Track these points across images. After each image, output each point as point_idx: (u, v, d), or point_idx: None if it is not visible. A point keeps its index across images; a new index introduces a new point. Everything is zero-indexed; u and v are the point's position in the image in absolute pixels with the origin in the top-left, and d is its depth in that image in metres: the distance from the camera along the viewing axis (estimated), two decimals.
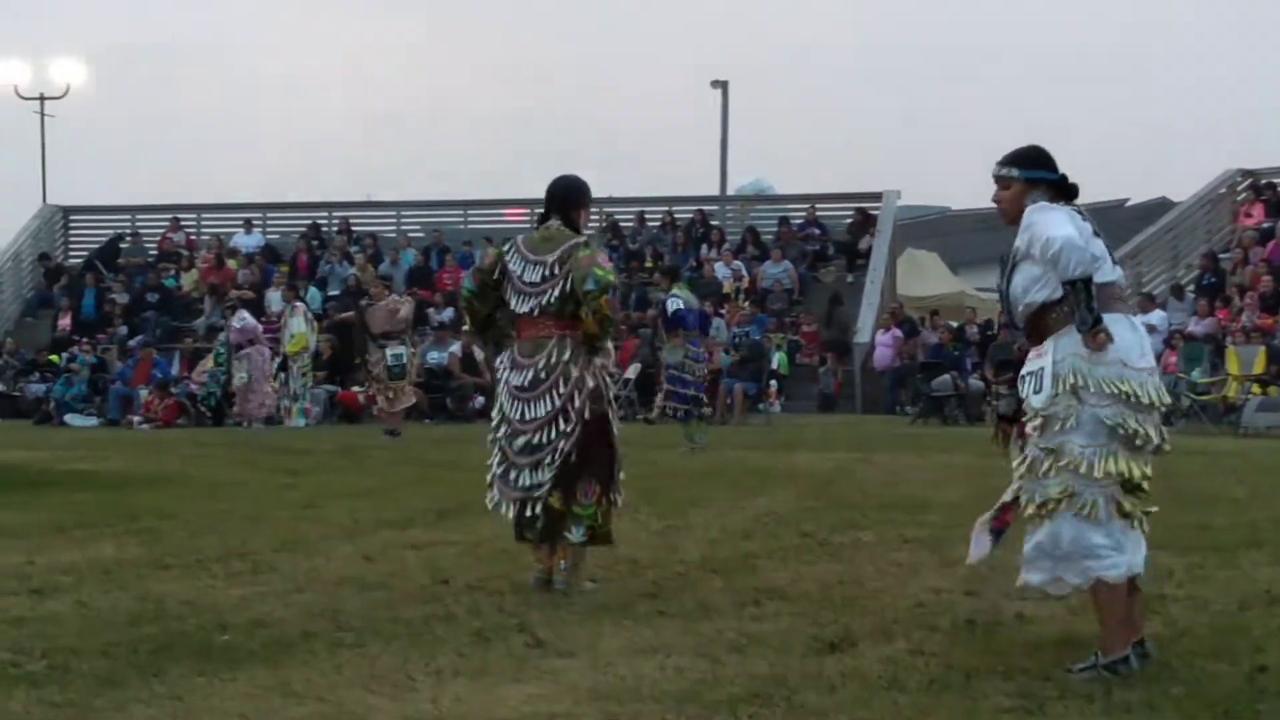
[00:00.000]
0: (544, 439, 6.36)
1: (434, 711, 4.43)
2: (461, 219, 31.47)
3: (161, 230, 31.74)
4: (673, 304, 15.07)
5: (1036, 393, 4.94)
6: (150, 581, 6.78)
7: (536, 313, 6.44)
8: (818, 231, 28.80)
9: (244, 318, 21.16)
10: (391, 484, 11.36)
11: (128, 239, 31.74)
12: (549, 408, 6.37)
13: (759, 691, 4.60)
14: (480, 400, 22.28)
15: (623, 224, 29.38)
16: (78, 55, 39.91)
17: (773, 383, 22.93)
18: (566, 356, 6.40)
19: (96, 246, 31.85)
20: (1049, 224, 4.88)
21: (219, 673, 4.93)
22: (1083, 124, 68.13)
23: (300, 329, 21.86)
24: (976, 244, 51.43)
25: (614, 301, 6.64)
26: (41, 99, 37.37)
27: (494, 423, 6.59)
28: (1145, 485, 4.96)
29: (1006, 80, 74.46)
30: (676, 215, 29.08)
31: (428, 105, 79.74)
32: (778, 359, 23.84)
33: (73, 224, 33.29)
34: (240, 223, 31.37)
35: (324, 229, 30.86)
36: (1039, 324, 5.03)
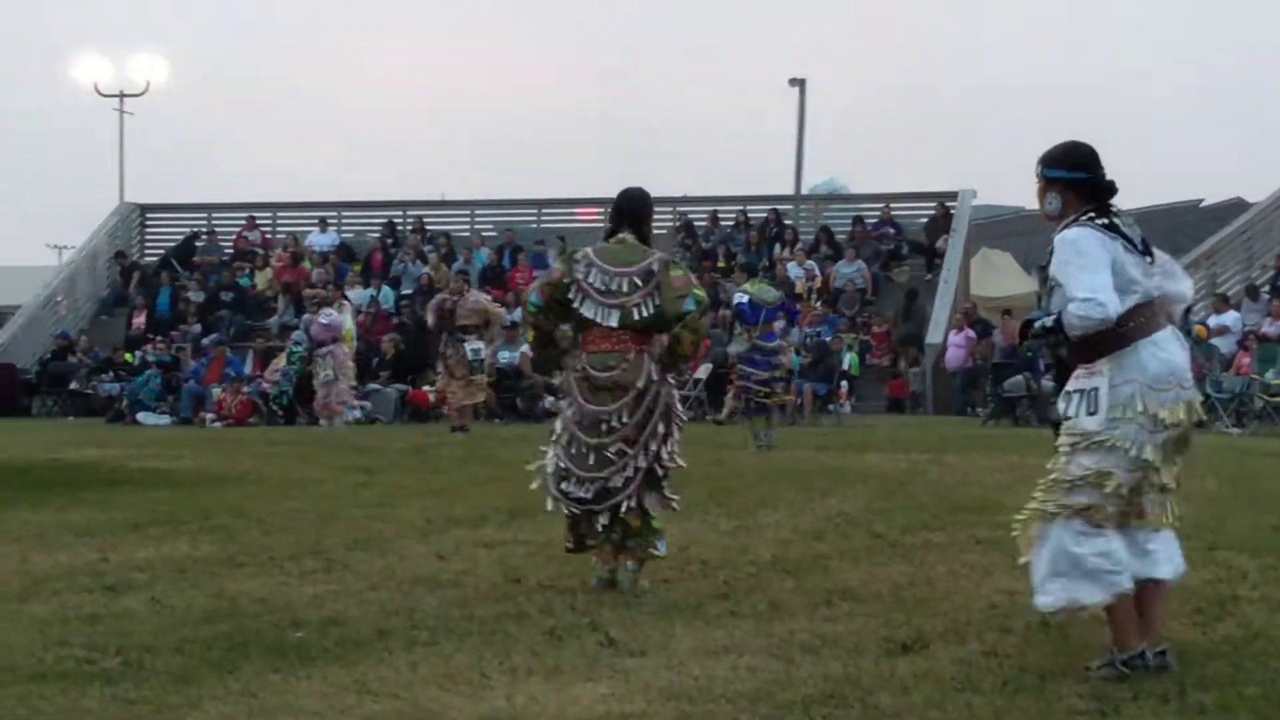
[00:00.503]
0: (624, 452, 6.37)
1: (509, 709, 4.45)
2: (535, 218, 31.58)
3: (237, 229, 32.03)
4: (737, 298, 15.27)
5: (1091, 414, 4.78)
6: (224, 579, 6.86)
7: (616, 325, 6.43)
8: (892, 231, 28.64)
9: (329, 315, 21.37)
10: (463, 483, 11.40)
11: (203, 237, 32.06)
12: (632, 420, 6.37)
13: (832, 692, 4.58)
14: (551, 401, 22.34)
15: (696, 223, 29.36)
16: (158, 52, 40.19)
17: (843, 383, 22.81)
18: (653, 374, 6.44)
19: (172, 245, 32.19)
20: (1075, 274, 4.79)
21: (293, 670, 4.97)
22: (1159, 124, 67.37)
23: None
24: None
25: (704, 322, 6.71)
26: (121, 96, 37.75)
27: (558, 434, 6.52)
28: (1171, 484, 4.90)
29: (1081, 77, 73.62)
30: (750, 214, 29.04)
31: (503, 103, 80.00)
32: (849, 359, 23.73)
33: (149, 222, 33.59)
34: (315, 221, 31.63)
35: (398, 228, 31.08)
36: (1091, 341, 4.86)
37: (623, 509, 6.38)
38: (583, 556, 6.69)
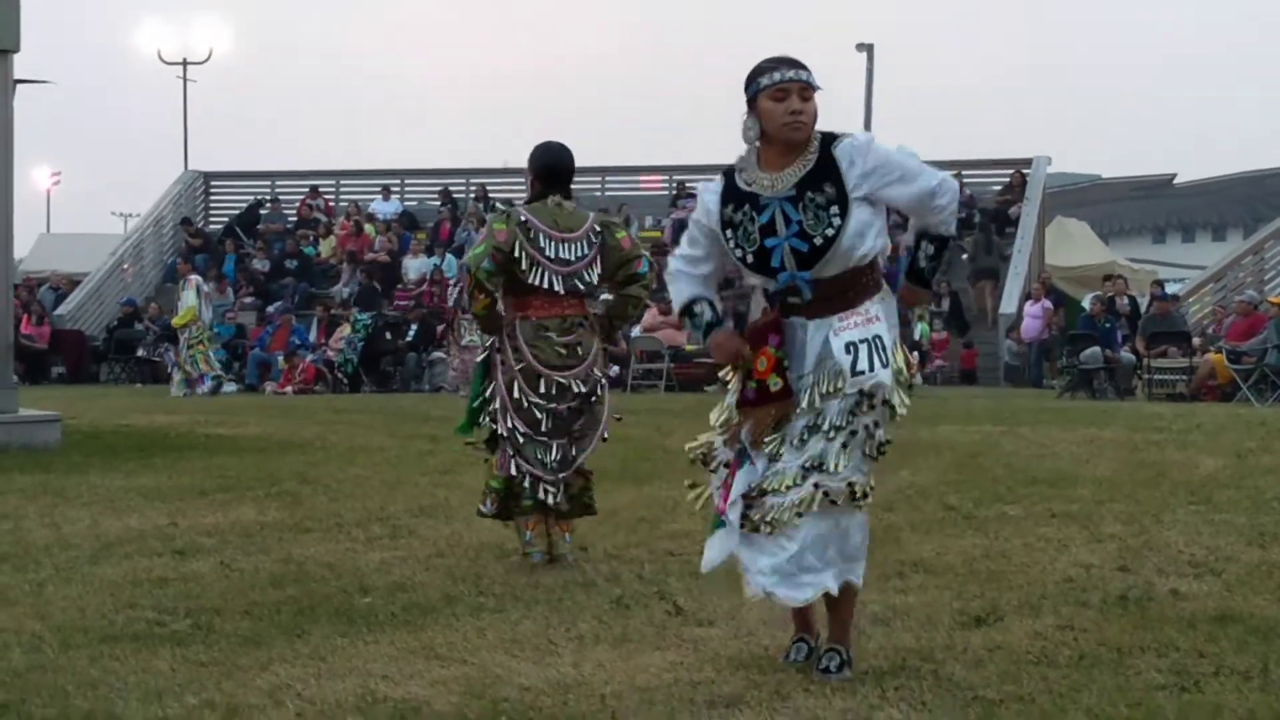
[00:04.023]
0: (580, 415, 6.39)
1: (576, 676, 4.41)
2: (599, 185, 31.53)
3: (300, 196, 32.25)
4: None
5: (885, 365, 4.33)
6: (291, 544, 6.88)
7: (563, 290, 6.35)
8: (964, 199, 28.36)
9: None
10: None
11: (267, 205, 32.30)
12: (586, 385, 6.38)
13: (904, 664, 4.51)
14: (615, 369, 22.32)
15: None
16: (221, 19, 40.47)
17: (914, 354, 22.64)
18: (594, 335, 6.46)
19: (236, 213, 32.47)
20: (910, 159, 4.33)
21: (361, 635, 4.97)
22: (1245, 89, 66.24)
23: (191, 302, 22.12)
24: (1128, 212, 50.43)
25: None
26: (184, 64, 37.98)
27: (508, 402, 6.40)
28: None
29: (1162, 44, 72.51)
30: None
31: (567, 69, 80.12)
32: (920, 329, 23.52)
33: (213, 190, 33.93)
34: (378, 189, 31.76)
35: (460, 196, 31.13)
36: (855, 282, 4.36)
37: (573, 466, 6.44)
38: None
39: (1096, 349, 20.97)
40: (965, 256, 26.50)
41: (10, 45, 12.30)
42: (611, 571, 6.11)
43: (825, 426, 4.31)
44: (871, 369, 4.31)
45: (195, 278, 22.76)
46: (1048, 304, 23.97)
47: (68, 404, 16.16)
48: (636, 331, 22.73)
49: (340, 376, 23.44)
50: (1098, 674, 4.40)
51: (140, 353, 26.90)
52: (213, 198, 33.91)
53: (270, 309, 27.20)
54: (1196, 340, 21.48)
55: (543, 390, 6.33)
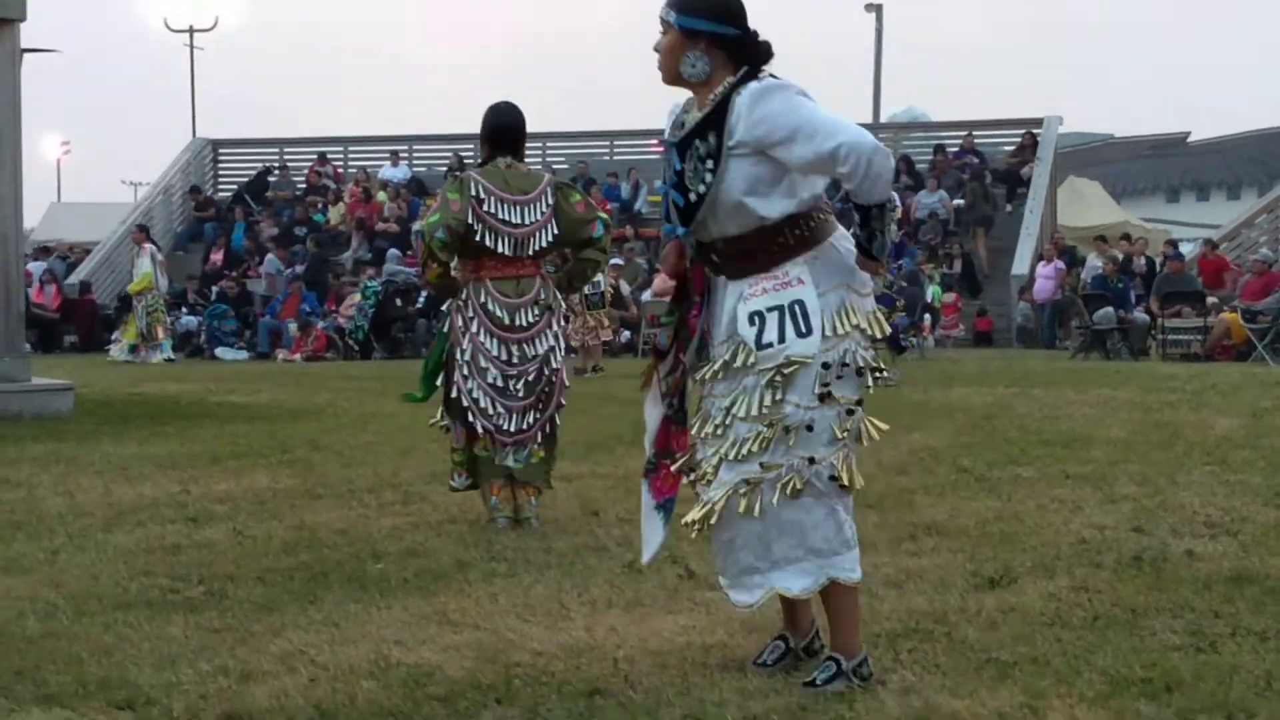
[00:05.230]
0: (541, 377, 6.42)
1: (589, 640, 4.41)
2: (608, 150, 31.42)
3: (309, 163, 32.18)
4: None
5: (802, 335, 3.81)
6: (304, 511, 6.89)
7: (520, 254, 6.35)
8: (975, 160, 28.20)
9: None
10: None
11: (275, 172, 32.25)
12: (545, 347, 6.41)
13: (917, 627, 4.49)
14: (627, 335, 22.30)
15: None
16: None
17: (926, 316, 22.55)
18: (552, 297, 6.47)
19: (245, 180, 32.42)
20: (825, 115, 3.81)
21: (373, 600, 4.97)
22: (1261, 47, 65.72)
23: (145, 269, 22.08)
24: (1141, 172, 50.17)
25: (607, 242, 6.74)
26: (191, 31, 37.84)
27: (469, 366, 6.40)
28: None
29: (1176, 1, 71.99)
30: None
31: (578, 32, 79.82)
32: (932, 291, 23.45)
33: (222, 157, 33.86)
34: (387, 155, 31.67)
35: (470, 161, 31.05)
36: (767, 243, 3.89)
37: (538, 439, 6.46)
38: None
39: (1110, 309, 20.90)
40: (963, 204, 26.41)
41: (16, 14, 12.27)
42: (623, 535, 6.09)
43: (742, 412, 3.86)
44: (782, 340, 3.82)
45: (150, 246, 22.76)
46: (1060, 265, 23.86)
47: (80, 372, 16.19)
48: (647, 295, 22.68)
49: (351, 343, 23.44)
50: (1112, 635, 4.39)
51: None
52: (221, 165, 33.85)
53: (286, 272, 27.04)
54: (1210, 300, 21.40)
55: (496, 352, 6.35)
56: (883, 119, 34.65)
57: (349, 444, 9.59)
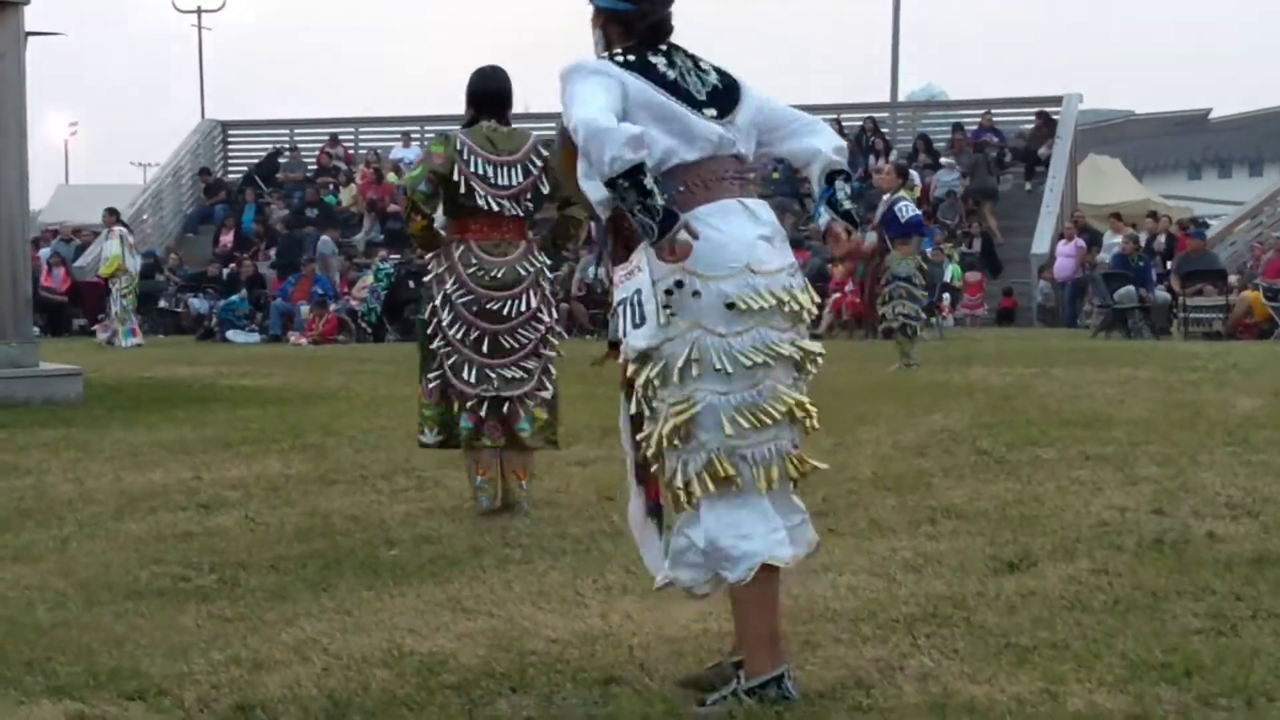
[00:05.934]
0: (527, 335, 6.37)
1: (604, 627, 4.37)
2: None
3: (319, 145, 32.09)
4: (908, 209, 13.53)
5: (636, 326, 3.57)
6: (316, 497, 6.85)
7: (499, 212, 6.33)
8: (994, 138, 28.07)
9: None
10: None
11: (286, 154, 32.18)
12: (531, 304, 6.36)
13: (935, 611, 4.44)
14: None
15: None
16: None
17: (945, 296, 22.45)
18: (539, 256, 6.45)
19: (255, 162, 32.35)
20: (574, 97, 3.53)
21: (387, 588, 4.93)
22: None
23: (114, 252, 22.03)
24: (1162, 149, 49.87)
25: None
26: (199, 12, 37.79)
27: (448, 325, 6.31)
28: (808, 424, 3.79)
29: None
30: (844, 123, 28.58)
31: (589, 13, 79.60)
32: (951, 271, 23.35)
33: (231, 139, 33.76)
34: (399, 136, 31.57)
35: None
36: (617, 228, 3.68)
37: (532, 403, 6.38)
38: None
39: (1131, 288, 20.78)
40: (964, 178, 26.30)
41: None
42: None
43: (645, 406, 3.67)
44: (627, 332, 3.61)
45: (119, 229, 22.75)
46: (1081, 243, 23.74)
47: (89, 356, 16.18)
48: None
49: (364, 326, 23.42)
50: (1133, 619, 4.33)
51: (161, 304, 26.93)
52: (231, 147, 33.78)
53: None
54: (1233, 278, 21.27)
55: (476, 310, 6.31)
56: (901, 97, 34.50)
57: (362, 428, 9.54)
